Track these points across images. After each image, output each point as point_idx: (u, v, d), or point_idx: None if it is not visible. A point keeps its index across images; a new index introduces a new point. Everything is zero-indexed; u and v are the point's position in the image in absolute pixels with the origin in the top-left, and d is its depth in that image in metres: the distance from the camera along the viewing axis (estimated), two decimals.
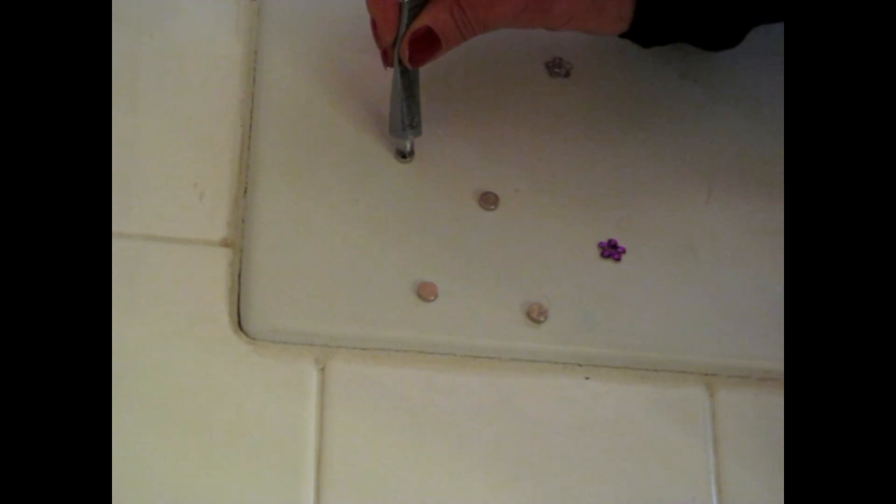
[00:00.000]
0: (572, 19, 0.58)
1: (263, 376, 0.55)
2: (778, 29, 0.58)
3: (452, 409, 0.56)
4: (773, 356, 0.58)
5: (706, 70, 0.65)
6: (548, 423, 0.56)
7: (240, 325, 0.56)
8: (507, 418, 0.56)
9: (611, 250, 0.60)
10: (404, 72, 0.59)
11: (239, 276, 0.57)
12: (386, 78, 0.59)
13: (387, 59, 0.59)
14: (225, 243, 0.58)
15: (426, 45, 0.58)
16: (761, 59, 0.66)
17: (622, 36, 0.60)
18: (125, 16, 0.61)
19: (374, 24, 0.59)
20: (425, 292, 0.58)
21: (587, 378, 0.58)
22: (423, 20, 0.58)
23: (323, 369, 0.56)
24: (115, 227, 0.56)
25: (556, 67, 0.64)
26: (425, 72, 0.60)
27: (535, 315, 0.58)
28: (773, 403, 0.58)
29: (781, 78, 0.64)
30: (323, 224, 0.59)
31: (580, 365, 0.58)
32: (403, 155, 0.60)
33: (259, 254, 0.58)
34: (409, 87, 0.59)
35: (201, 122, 0.60)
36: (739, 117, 0.65)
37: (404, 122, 0.59)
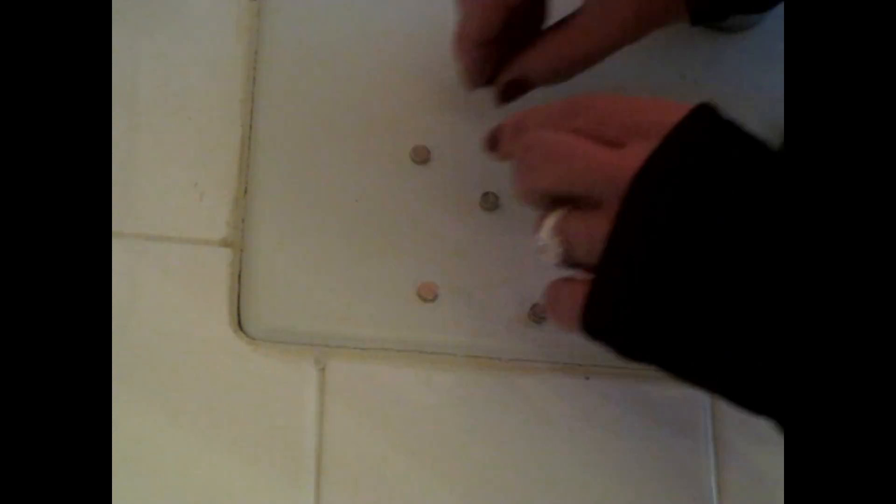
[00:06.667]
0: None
1: (263, 376, 0.56)
2: (777, 29, 0.58)
3: (452, 409, 0.56)
4: None
5: (706, 70, 0.65)
6: (548, 423, 0.56)
7: (240, 325, 0.57)
8: (507, 418, 0.56)
9: None
10: None
11: (239, 276, 0.57)
12: (385, 77, 0.59)
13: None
14: (225, 243, 0.58)
15: (519, 86, 0.59)
16: (761, 60, 0.66)
17: None
18: (125, 16, 0.61)
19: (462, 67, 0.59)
20: (425, 292, 0.58)
21: (587, 378, 0.58)
22: (517, 69, 0.58)
23: (323, 369, 0.56)
24: (115, 227, 0.56)
25: None
26: (426, 73, 0.61)
27: (535, 315, 0.58)
28: None
29: (781, 78, 0.64)
30: (323, 224, 0.59)
31: (580, 365, 0.58)
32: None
33: (259, 254, 0.58)
34: None
35: (201, 122, 0.60)
36: (739, 118, 0.65)
37: None
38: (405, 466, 0.55)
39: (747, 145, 0.48)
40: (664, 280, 0.46)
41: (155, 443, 0.53)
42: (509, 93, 0.59)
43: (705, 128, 0.48)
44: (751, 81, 0.66)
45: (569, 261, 0.50)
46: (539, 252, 0.51)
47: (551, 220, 0.50)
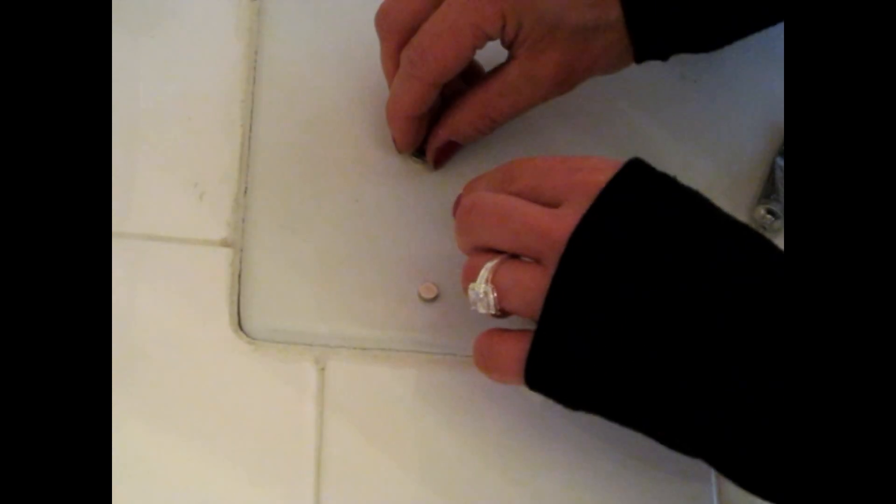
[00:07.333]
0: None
1: (263, 376, 0.55)
2: (777, 29, 0.58)
3: (452, 409, 0.56)
4: None
5: (706, 70, 0.65)
6: (548, 422, 0.56)
7: (240, 325, 0.57)
8: (508, 418, 0.56)
9: None
10: None
11: (239, 276, 0.57)
12: (385, 78, 0.59)
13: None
14: (225, 243, 0.58)
15: (448, 149, 0.60)
16: (761, 59, 0.66)
17: None
18: (125, 16, 0.61)
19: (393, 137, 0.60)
20: (425, 292, 0.58)
21: None
22: (444, 134, 0.59)
23: (323, 369, 0.56)
24: (115, 227, 0.56)
25: None
26: None
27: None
28: None
29: (781, 78, 0.64)
30: (323, 224, 0.59)
31: None
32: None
33: (259, 254, 0.58)
34: None
35: (201, 122, 0.60)
36: (739, 118, 0.65)
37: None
38: (404, 466, 0.55)
39: (674, 199, 0.50)
40: (604, 336, 0.48)
41: (155, 442, 0.53)
42: (440, 158, 0.60)
43: (634, 185, 0.50)
44: (751, 81, 0.66)
45: (501, 311, 0.52)
46: (472, 303, 0.52)
47: (486, 272, 0.51)
